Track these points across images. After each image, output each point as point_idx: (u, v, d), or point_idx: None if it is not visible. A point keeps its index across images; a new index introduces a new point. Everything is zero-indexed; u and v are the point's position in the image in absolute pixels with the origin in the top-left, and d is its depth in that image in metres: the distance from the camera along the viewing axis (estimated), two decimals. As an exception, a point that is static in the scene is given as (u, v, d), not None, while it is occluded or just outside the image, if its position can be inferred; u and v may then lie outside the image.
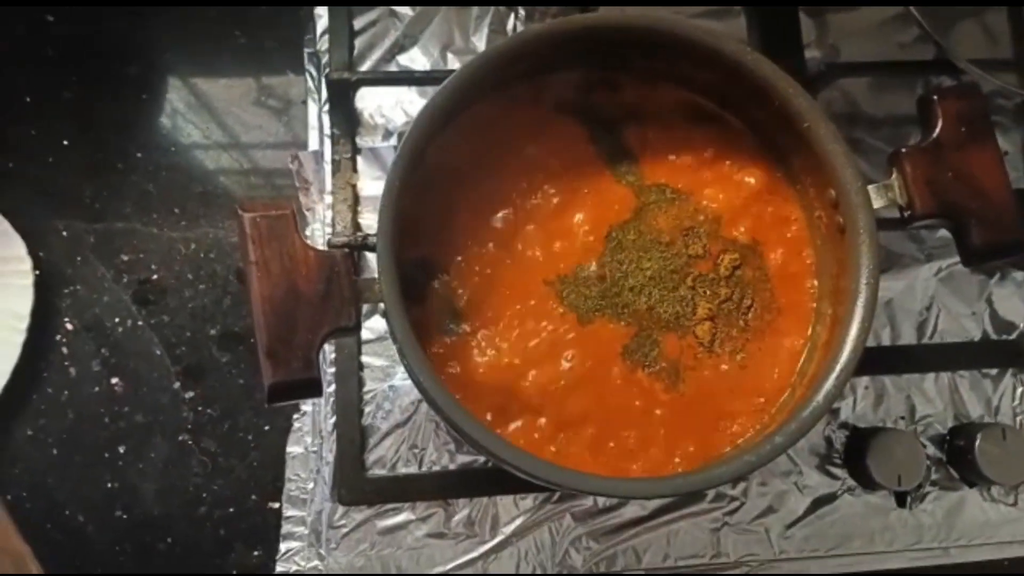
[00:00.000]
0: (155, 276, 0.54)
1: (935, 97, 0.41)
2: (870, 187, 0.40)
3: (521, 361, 0.42)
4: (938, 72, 0.58)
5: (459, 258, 0.42)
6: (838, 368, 0.38)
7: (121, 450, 0.51)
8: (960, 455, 0.52)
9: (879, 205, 0.40)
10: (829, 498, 0.52)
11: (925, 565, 0.52)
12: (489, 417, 0.40)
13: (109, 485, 0.51)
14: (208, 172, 0.57)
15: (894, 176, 0.41)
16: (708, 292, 0.43)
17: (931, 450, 0.53)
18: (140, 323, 0.53)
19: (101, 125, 0.56)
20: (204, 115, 0.58)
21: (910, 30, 0.59)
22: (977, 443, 0.50)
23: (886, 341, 0.55)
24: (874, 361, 0.51)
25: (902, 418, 0.54)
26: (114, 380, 0.52)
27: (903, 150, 0.41)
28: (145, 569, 0.50)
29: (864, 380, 0.54)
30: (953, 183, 0.40)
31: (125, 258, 0.54)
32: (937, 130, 0.41)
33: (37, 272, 0.52)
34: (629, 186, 0.44)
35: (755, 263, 0.44)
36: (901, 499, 0.52)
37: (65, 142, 0.56)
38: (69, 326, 0.53)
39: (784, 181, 0.45)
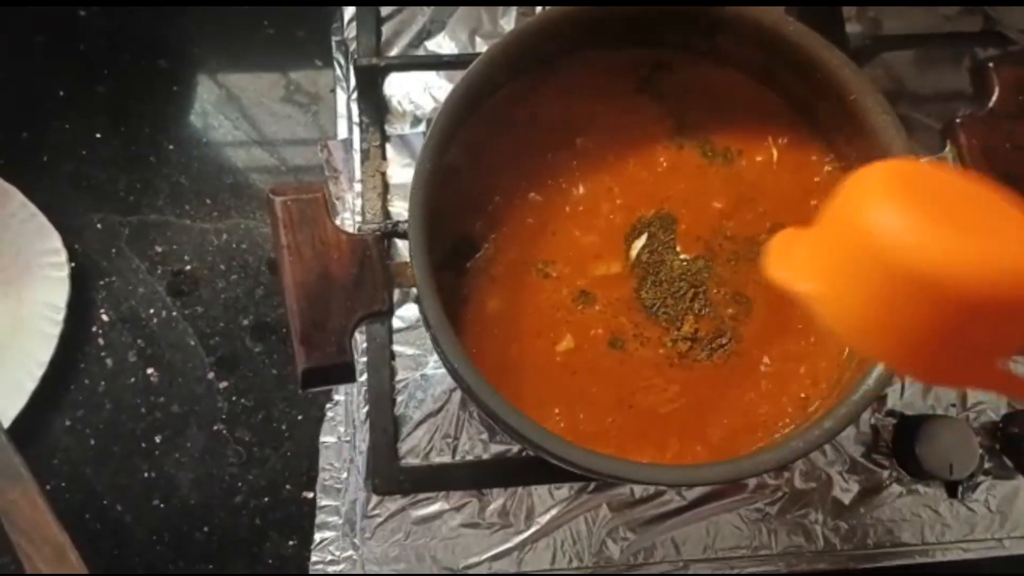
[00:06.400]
0: (188, 267, 0.54)
1: (990, 64, 0.39)
2: (922, 160, 0.38)
3: (557, 345, 0.41)
4: (985, 44, 0.56)
5: (494, 236, 0.42)
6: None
7: (157, 440, 0.52)
8: (1014, 443, 0.50)
9: (931, 179, 0.39)
10: (876, 489, 0.50)
11: (978, 557, 0.50)
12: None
13: (146, 475, 0.51)
14: (239, 164, 0.57)
15: (948, 148, 0.40)
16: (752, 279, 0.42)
17: (983, 438, 0.50)
18: (174, 314, 0.53)
19: (134, 119, 0.57)
20: (234, 107, 0.58)
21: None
22: (1033, 430, 0.48)
23: (935, 325, 0.52)
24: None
25: (953, 405, 0.52)
26: (150, 370, 0.53)
27: (958, 120, 0.39)
28: (182, 557, 0.50)
29: (912, 366, 0.52)
30: (1012, 154, 0.39)
31: (159, 249, 0.55)
32: (994, 99, 0.39)
33: (72, 264, 0.52)
34: (674, 161, 0.43)
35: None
36: (952, 489, 0.50)
37: (98, 135, 0.56)
38: (105, 317, 0.53)
39: (831, 157, 0.43)
